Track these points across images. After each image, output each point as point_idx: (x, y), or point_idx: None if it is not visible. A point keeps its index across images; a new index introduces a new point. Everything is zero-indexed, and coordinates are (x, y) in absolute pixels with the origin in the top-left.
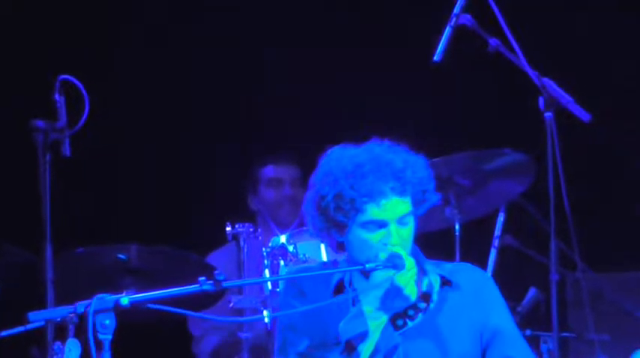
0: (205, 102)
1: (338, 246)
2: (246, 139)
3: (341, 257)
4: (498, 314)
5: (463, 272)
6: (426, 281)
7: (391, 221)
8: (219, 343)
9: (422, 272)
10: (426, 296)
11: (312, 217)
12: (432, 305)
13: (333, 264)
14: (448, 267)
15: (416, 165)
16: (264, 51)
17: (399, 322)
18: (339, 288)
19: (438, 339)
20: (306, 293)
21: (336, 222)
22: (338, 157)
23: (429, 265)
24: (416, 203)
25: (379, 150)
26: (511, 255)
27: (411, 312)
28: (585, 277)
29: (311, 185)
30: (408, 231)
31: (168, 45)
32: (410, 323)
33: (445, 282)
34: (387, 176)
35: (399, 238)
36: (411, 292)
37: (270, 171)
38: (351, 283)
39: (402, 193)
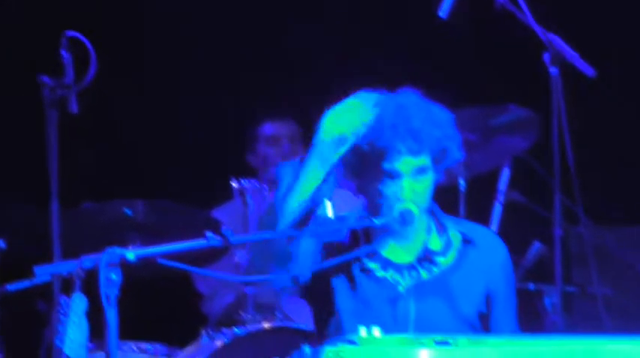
0: (210, 56)
1: (357, 189)
2: (249, 94)
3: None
4: (503, 282)
5: (482, 232)
6: (444, 238)
7: (405, 174)
8: (232, 303)
9: (440, 228)
10: (443, 252)
11: None
12: (449, 262)
13: (341, 218)
14: (468, 226)
15: (436, 123)
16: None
17: (413, 273)
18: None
19: (451, 298)
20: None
21: (353, 169)
22: (361, 101)
23: (449, 221)
24: (435, 161)
25: (403, 103)
26: (515, 210)
27: (426, 264)
28: (588, 231)
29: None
30: (423, 186)
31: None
32: (424, 275)
33: (466, 240)
34: (403, 134)
35: (412, 193)
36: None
37: (268, 128)
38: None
39: (417, 152)
